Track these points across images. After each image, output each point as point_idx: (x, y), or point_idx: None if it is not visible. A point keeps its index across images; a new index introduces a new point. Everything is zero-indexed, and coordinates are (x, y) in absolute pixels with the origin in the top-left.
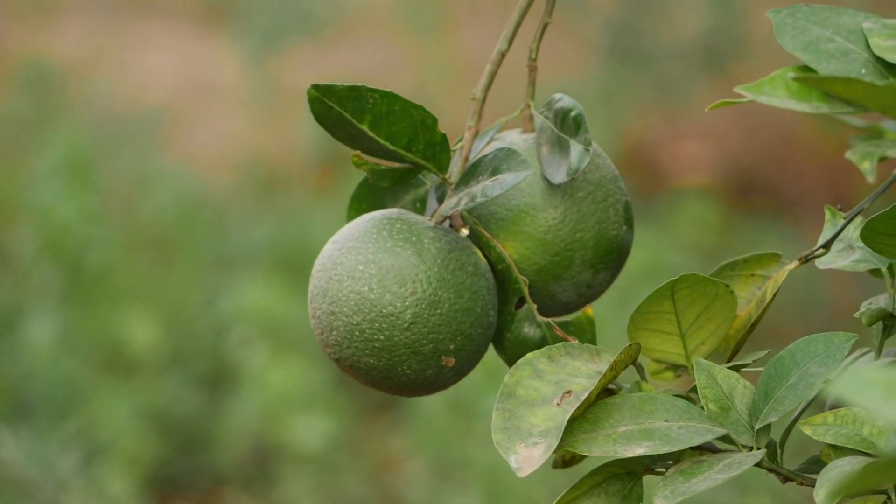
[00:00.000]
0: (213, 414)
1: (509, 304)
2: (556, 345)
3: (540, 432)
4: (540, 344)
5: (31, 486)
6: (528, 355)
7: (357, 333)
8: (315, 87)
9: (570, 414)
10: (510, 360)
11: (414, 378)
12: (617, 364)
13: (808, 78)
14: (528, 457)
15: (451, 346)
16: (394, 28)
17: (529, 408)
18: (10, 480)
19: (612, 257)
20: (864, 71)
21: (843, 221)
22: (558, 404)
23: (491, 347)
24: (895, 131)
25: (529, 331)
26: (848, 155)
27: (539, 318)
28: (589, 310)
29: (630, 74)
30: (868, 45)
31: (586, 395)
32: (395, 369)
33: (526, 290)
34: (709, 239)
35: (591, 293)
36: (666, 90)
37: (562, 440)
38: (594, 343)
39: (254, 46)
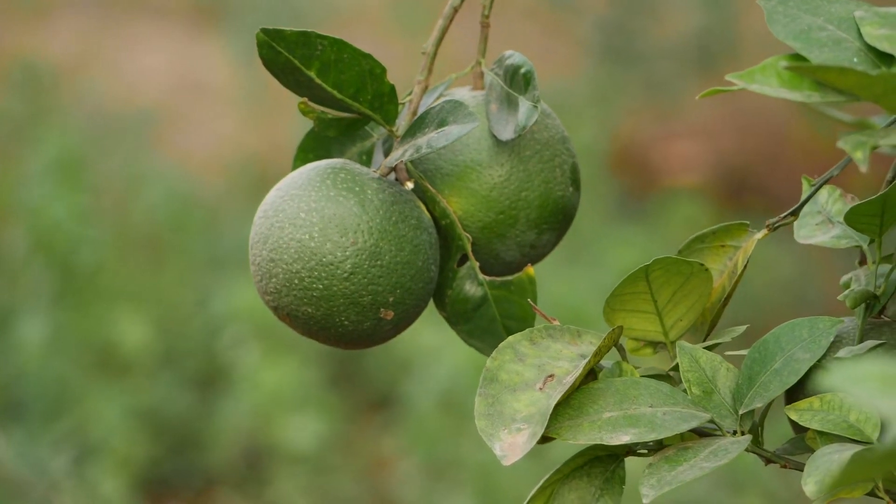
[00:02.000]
0: (205, 414)
1: (452, 260)
2: (538, 327)
3: (523, 417)
4: (481, 302)
5: (23, 486)
6: (510, 338)
7: (296, 281)
8: (264, 30)
9: (554, 400)
10: (450, 318)
11: (352, 329)
12: (601, 349)
13: (800, 66)
14: (513, 444)
15: (391, 299)
16: (386, 28)
17: (512, 392)
18: (1, 480)
19: (557, 218)
20: (856, 59)
21: (811, 189)
22: (541, 388)
23: (431, 304)
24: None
25: (471, 289)
26: (840, 144)
27: (481, 276)
28: (530, 269)
29: (622, 74)
30: (860, 34)
31: (568, 378)
32: (333, 319)
33: (469, 248)
34: None
35: (534, 254)
36: (658, 90)
37: (547, 427)
38: (535, 301)
39: (245, 46)
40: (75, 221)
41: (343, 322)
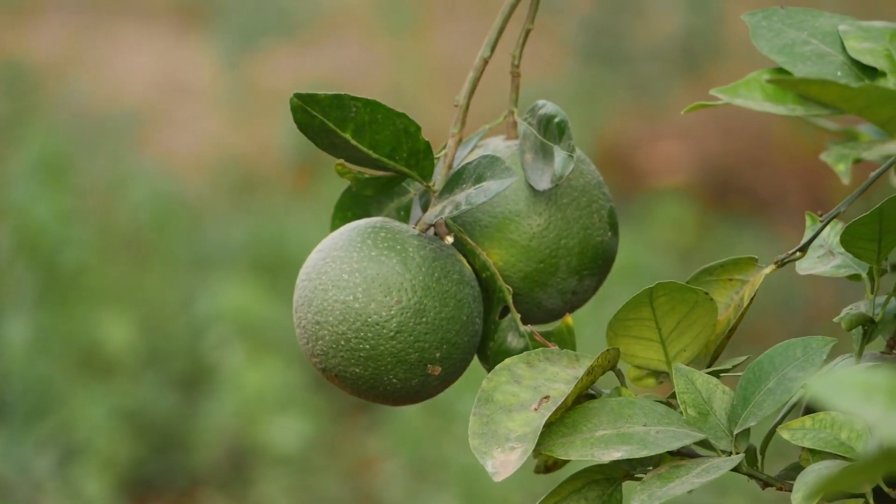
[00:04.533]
0: (189, 415)
1: (493, 312)
2: (535, 350)
3: (517, 437)
4: None
5: (7, 487)
6: (507, 360)
7: (343, 343)
8: (298, 95)
9: (545, 418)
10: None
11: (400, 387)
12: (594, 369)
13: (783, 80)
14: (505, 461)
15: (437, 355)
16: (370, 29)
17: (507, 413)
18: None
19: (597, 263)
20: (839, 73)
21: (819, 224)
22: (536, 409)
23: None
24: (870, 135)
25: (513, 341)
26: (823, 157)
27: (522, 327)
28: (569, 318)
29: (607, 75)
30: (844, 48)
31: (564, 399)
32: (382, 378)
33: (510, 299)
34: (685, 240)
35: (576, 300)
36: (643, 91)
37: (540, 444)
38: (574, 349)
39: (230, 47)
40: (59, 222)
41: (391, 380)
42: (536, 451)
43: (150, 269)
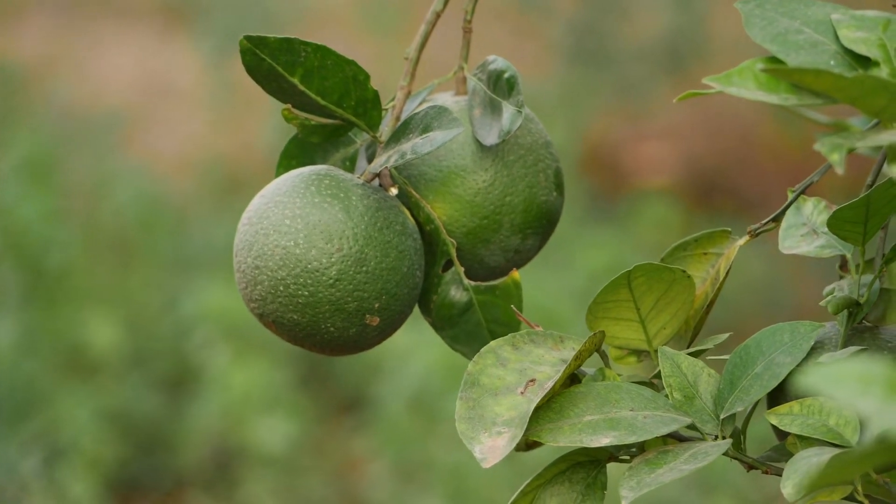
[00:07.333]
0: (174, 415)
1: (437, 266)
2: (520, 332)
3: (504, 421)
4: (466, 307)
5: None
6: (492, 343)
7: (281, 288)
8: (247, 37)
9: (534, 404)
10: (435, 323)
11: (337, 336)
12: (581, 354)
13: (777, 69)
14: (493, 447)
15: (376, 305)
16: (356, 29)
17: (493, 396)
18: None
19: (541, 223)
20: (832, 62)
21: (793, 196)
22: (522, 393)
23: (416, 309)
24: (861, 127)
25: (456, 294)
26: (817, 147)
27: (466, 281)
28: (516, 273)
29: (592, 76)
30: (837, 37)
31: (550, 383)
32: (319, 326)
33: (454, 253)
34: (670, 240)
35: (518, 258)
36: (628, 92)
37: (527, 429)
38: (521, 306)
39: (214, 47)
40: (44, 222)
41: (329, 329)
42: (523, 437)
43: (135, 269)
